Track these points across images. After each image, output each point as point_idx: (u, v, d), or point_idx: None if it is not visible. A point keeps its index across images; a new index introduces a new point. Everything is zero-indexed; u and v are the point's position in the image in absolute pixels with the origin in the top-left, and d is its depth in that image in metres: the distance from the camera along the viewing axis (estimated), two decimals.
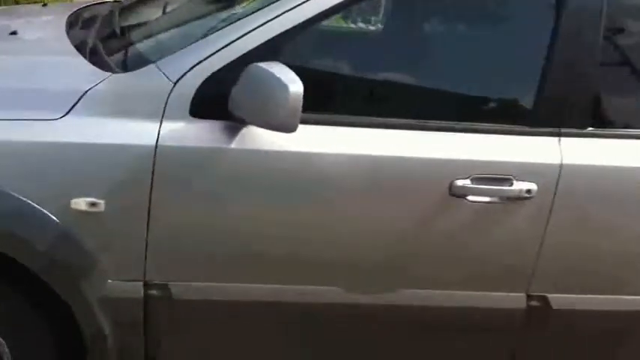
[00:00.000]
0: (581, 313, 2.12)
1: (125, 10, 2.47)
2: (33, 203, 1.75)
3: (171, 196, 1.84)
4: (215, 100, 1.79)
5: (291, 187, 1.87)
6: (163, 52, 1.92)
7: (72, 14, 2.51)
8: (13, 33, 2.29)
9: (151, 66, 1.86)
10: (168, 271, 1.91)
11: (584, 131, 2.03)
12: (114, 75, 1.88)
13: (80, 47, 2.09)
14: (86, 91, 1.82)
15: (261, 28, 1.82)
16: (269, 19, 1.82)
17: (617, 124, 2.10)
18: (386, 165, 1.92)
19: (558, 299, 2.10)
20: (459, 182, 1.93)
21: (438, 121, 1.96)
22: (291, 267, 1.94)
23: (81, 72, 1.92)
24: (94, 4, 2.76)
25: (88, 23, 2.39)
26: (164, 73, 1.82)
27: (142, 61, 1.91)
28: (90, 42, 2.14)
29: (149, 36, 2.12)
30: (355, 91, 1.98)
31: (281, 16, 1.82)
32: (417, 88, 2.04)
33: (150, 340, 1.96)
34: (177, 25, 2.18)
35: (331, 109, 1.92)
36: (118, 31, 2.22)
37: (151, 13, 2.38)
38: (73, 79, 1.89)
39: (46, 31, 2.36)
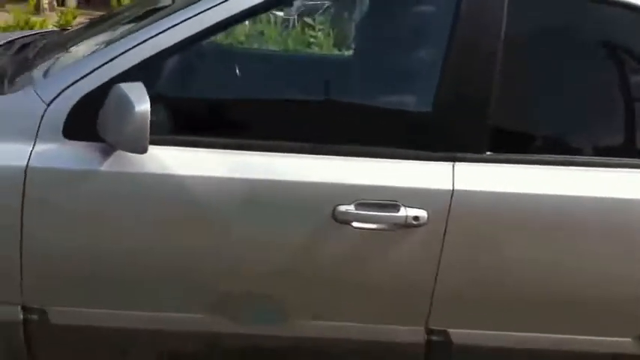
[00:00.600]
0: (484, 350, 2.00)
1: (50, 39, 2.51)
2: None
3: (41, 219, 1.82)
4: (87, 122, 1.79)
5: (157, 210, 1.84)
6: (45, 75, 1.93)
7: (6, 42, 2.57)
8: None
9: (29, 88, 1.88)
10: (45, 295, 1.89)
11: (482, 156, 1.95)
12: None
13: None
14: None
15: (129, 52, 1.82)
16: (137, 43, 1.83)
17: (517, 149, 1.99)
18: (265, 188, 1.87)
19: (459, 334, 2.00)
20: (342, 208, 1.87)
21: (321, 145, 1.91)
22: (165, 293, 1.89)
23: None
24: (34, 33, 2.82)
25: (12, 50, 2.44)
26: (38, 95, 1.84)
27: (25, 84, 1.92)
28: None
29: (46, 62, 2.14)
30: (234, 113, 1.95)
31: (148, 41, 1.83)
32: (303, 110, 2.00)
33: None
34: (68, 51, 2.19)
35: (208, 131, 1.89)
36: (30, 57, 2.26)
37: (65, 41, 2.41)
38: None
39: None
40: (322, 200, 1.87)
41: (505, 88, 1.94)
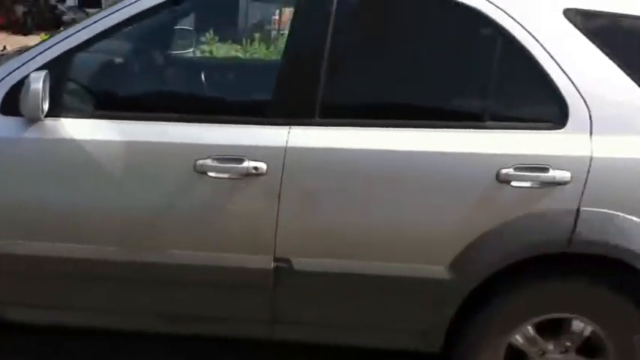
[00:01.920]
0: (321, 275, 2.56)
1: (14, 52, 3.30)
2: None
3: None
4: (17, 102, 2.52)
5: (57, 165, 2.55)
6: None
7: None
8: None
9: None
10: None
11: (312, 121, 2.53)
12: None
13: None
14: None
15: (41, 54, 2.59)
16: (48, 47, 2.60)
17: (339, 115, 2.55)
18: (141, 148, 2.54)
19: (300, 262, 2.56)
20: (200, 161, 2.49)
21: (187, 114, 2.58)
22: (68, 229, 2.57)
23: None
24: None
25: None
26: None
27: None
28: None
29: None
30: (126, 91, 2.69)
31: (54, 46, 2.59)
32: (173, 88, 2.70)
33: None
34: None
35: (100, 106, 2.61)
36: None
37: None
38: None
39: None
40: (186, 155, 2.51)
41: (331, 71, 2.54)
